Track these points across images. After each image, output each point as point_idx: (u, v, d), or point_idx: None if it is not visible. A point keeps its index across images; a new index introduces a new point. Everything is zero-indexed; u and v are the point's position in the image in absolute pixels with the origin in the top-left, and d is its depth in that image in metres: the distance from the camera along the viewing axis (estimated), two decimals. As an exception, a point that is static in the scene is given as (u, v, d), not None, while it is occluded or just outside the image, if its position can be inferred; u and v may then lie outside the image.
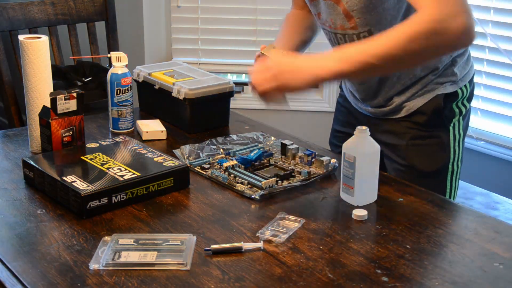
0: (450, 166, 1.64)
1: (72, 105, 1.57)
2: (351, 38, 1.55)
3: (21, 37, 1.60)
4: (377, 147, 1.38)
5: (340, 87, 1.86)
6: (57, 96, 1.54)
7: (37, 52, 1.59)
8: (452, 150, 1.63)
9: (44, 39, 1.60)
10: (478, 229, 1.31)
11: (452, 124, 1.63)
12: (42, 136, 1.58)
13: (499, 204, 2.44)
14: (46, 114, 1.56)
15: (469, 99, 1.66)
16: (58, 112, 1.55)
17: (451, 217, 1.36)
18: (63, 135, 1.57)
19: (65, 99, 1.55)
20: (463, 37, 1.29)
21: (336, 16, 1.54)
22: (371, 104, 1.68)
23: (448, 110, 1.62)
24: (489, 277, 1.15)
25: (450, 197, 1.66)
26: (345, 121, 1.82)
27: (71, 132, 1.58)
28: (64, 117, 1.56)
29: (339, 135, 1.83)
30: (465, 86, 1.63)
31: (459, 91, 1.61)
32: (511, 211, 2.40)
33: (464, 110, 1.64)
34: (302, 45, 1.75)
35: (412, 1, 1.32)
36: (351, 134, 1.74)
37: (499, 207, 2.42)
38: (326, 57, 1.34)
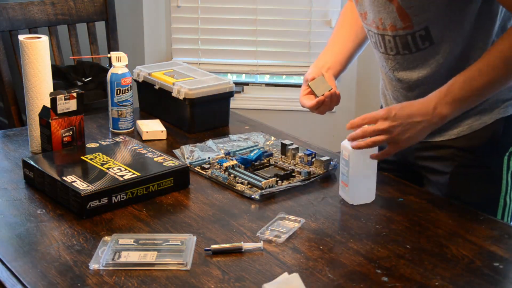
0: (502, 200, 1.46)
1: (72, 105, 1.57)
2: (403, 39, 1.39)
3: (21, 37, 1.60)
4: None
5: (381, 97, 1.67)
6: (57, 96, 1.54)
7: (37, 52, 1.59)
8: (504, 182, 1.45)
9: (44, 39, 1.60)
10: (478, 229, 1.31)
11: (508, 153, 1.44)
12: (42, 136, 1.58)
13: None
14: (46, 114, 1.56)
15: None
16: (58, 112, 1.55)
17: (451, 217, 1.36)
18: (63, 135, 1.57)
19: (65, 99, 1.55)
20: None
21: (387, 15, 1.38)
22: None
23: (506, 136, 1.43)
24: (489, 277, 1.15)
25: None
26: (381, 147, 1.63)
27: (71, 132, 1.58)
28: (64, 117, 1.56)
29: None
30: None
31: None
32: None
33: None
34: (358, 47, 1.63)
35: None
36: (388, 161, 1.54)
37: (499, 207, 2.42)
38: (436, 105, 1.29)
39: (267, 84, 3.23)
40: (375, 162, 1.38)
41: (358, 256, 1.20)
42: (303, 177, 1.50)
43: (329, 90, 1.49)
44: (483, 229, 1.31)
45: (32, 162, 1.46)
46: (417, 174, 1.57)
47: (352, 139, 1.35)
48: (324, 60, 1.60)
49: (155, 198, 1.41)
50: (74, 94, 1.56)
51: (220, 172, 1.51)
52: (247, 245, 1.21)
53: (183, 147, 1.65)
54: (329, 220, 1.34)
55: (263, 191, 1.42)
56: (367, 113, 1.34)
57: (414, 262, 1.18)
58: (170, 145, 1.71)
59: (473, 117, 1.43)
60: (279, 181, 1.47)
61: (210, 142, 1.69)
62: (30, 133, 1.65)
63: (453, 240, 1.27)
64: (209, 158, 1.61)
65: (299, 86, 3.22)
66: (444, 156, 1.48)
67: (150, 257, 1.17)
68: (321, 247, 1.23)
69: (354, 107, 3.11)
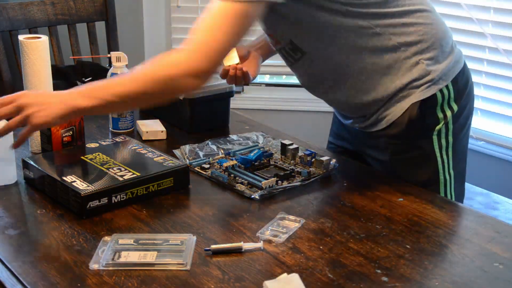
0: (442, 177, 1.54)
1: None
2: (282, 53, 1.56)
3: (21, 37, 1.60)
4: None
5: None
6: None
7: (37, 52, 1.58)
8: (439, 159, 1.53)
9: (44, 39, 1.60)
10: (478, 229, 1.31)
11: (436, 132, 1.51)
12: (42, 136, 1.58)
13: (499, 204, 2.44)
14: None
15: (458, 99, 1.52)
16: None
17: (451, 217, 1.36)
18: (63, 135, 1.57)
19: None
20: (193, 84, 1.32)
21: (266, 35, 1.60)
22: (353, 118, 1.62)
23: (430, 117, 1.50)
24: (489, 277, 1.15)
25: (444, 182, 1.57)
26: (338, 134, 1.78)
27: (71, 132, 1.58)
28: None
29: (332, 147, 1.81)
30: (447, 86, 1.49)
31: (439, 94, 1.49)
32: (511, 211, 2.40)
33: (450, 114, 1.51)
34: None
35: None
36: (343, 148, 1.75)
37: (499, 207, 2.42)
38: (71, 93, 1.33)
39: (267, 84, 3.23)
40: (11, 141, 1.43)
41: (358, 256, 1.20)
42: (303, 177, 1.50)
43: (236, 64, 1.61)
44: (483, 229, 1.31)
45: (32, 162, 1.46)
46: (366, 164, 1.67)
47: None
48: (260, 39, 1.76)
49: (155, 198, 1.41)
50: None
51: (220, 172, 1.51)
52: (247, 245, 1.21)
53: (183, 147, 1.65)
54: (329, 220, 1.34)
55: (263, 191, 1.42)
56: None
57: (414, 262, 1.18)
58: (170, 145, 1.71)
59: (394, 105, 1.51)
60: (279, 181, 1.47)
61: (210, 142, 1.68)
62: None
63: (453, 240, 1.27)
64: (209, 158, 1.61)
65: (299, 86, 3.22)
66: (380, 145, 1.58)
67: (150, 257, 1.17)
68: (321, 247, 1.23)
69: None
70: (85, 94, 1.32)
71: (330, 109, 1.73)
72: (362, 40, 1.45)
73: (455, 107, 1.52)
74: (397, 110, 1.51)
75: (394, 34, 1.46)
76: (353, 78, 1.50)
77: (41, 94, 1.38)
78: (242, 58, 1.67)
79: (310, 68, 1.54)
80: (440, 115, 1.51)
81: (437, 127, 1.52)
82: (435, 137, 1.52)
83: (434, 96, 1.49)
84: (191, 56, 1.31)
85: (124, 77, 1.39)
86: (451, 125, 1.53)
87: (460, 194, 1.62)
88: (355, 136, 1.68)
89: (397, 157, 1.56)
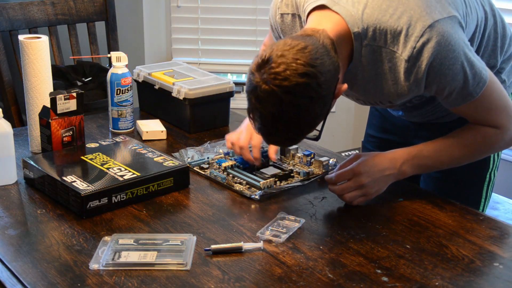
0: (488, 176, 1.57)
1: (72, 105, 1.57)
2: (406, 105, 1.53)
3: (21, 37, 1.60)
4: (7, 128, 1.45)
5: None
6: (57, 96, 1.54)
7: (37, 52, 1.58)
8: (492, 159, 1.56)
9: (44, 39, 1.60)
10: (478, 229, 1.31)
11: None
12: (42, 136, 1.58)
13: (499, 204, 2.44)
14: (46, 114, 1.56)
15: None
16: (58, 112, 1.55)
17: (451, 217, 1.36)
18: (63, 135, 1.57)
19: (65, 99, 1.55)
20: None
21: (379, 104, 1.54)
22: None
23: None
24: (489, 277, 1.15)
25: (483, 206, 1.60)
26: (379, 127, 1.74)
27: (71, 132, 1.58)
28: (64, 117, 1.56)
29: (373, 141, 1.76)
30: None
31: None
32: (511, 211, 2.39)
33: None
34: None
35: (480, 119, 1.37)
36: (386, 140, 1.70)
37: (499, 207, 2.42)
38: (403, 164, 1.39)
39: (267, 84, 3.22)
40: (11, 141, 1.47)
41: (358, 256, 1.20)
42: (302, 177, 1.50)
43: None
44: (483, 229, 1.31)
45: (32, 162, 1.46)
46: None
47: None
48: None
49: (155, 198, 1.41)
50: (74, 94, 1.56)
51: (219, 172, 1.51)
52: (247, 245, 1.21)
53: (182, 151, 1.64)
54: (329, 220, 1.34)
55: (262, 191, 1.42)
56: (342, 166, 1.41)
57: (414, 262, 1.18)
58: (170, 145, 1.71)
59: None
60: (278, 181, 1.47)
61: (209, 145, 1.68)
62: (30, 133, 1.65)
63: (453, 240, 1.27)
64: (208, 158, 1.61)
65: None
66: (437, 135, 1.53)
67: (150, 257, 1.17)
68: (321, 247, 1.23)
69: (354, 106, 3.11)
70: (418, 166, 1.41)
71: (331, 109, 1.71)
72: None
73: None
74: None
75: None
76: None
77: (380, 179, 1.40)
78: None
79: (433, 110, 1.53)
80: None
81: None
82: None
83: None
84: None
85: (451, 145, 1.41)
86: None
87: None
88: (403, 128, 1.65)
89: None
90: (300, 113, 1.17)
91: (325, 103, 1.20)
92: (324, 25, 1.26)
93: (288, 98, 1.15)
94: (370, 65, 1.31)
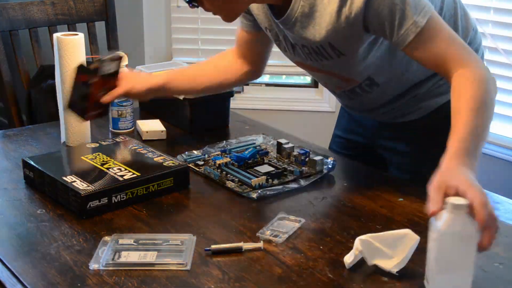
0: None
1: (114, 66, 1.56)
2: (351, 91, 1.52)
3: (57, 34, 1.64)
4: (473, 228, 1.05)
5: None
6: (105, 57, 1.53)
7: (72, 48, 1.63)
8: None
9: (81, 35, 1.65)
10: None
11: None
12: (77, 92, 1.52)
13: (499, 204, 2.43)
14: (85, 71, 1.53)
15: None
16: (102, 73, 1.53)
17: (451, 217, 1.35)
18: (98, 94, 1.56)
19: (111, 60, 1.55)
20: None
21: (332, 83, 1.55)
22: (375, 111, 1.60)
23: None
24: (489, 277, 1.15)
25: None
26: (347, 128, 1.77)
27: (104, 93, 1.57)
28: (107, 79, 1.55)
29: (340, 141, 1.79)
30: None
31: None
32: (511, 211, 2.39)
33: None
34: (190, 90, 1.71)
35: (442, 66, 1.30)
36: (353, 141, 1.72)
37: (499, 207, 2.42)
38: (470, 161, 1.19)
39: (267, 84, 3.23)
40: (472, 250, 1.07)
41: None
42: (295, 176, 1.50)
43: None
44: (483, 229, 1.31)
45: (32, 162, 1.46)
46: (380, 157, 1.65)
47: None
48: (162, 75, 1.67)
49: (155, 198, 1.41)
50: (120, 55, 1.57)
51: (213, 169, 1.51)
52: (247, 245, 1.21)
53: (182, 155, 1.63)
54: (329, 220, 1.34)
55: (262, 191, 1.42)
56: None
57: (414, 262, 1.18)
58: (170, 145, 1.71)
59: (430, 99, 1.52)
60: (270, 180, 1.47)
61: (208, 147, 1.67)
62: (66, 127, 1.66)
63: (453, 240, 1.26)
64: (204, 155, 1.60)
65: (299, 86, 3.22)
66: (404, 136, 1.57)
67: (150, 257, 1.17)
68: (321, 247, 1.23)
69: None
70: (476, 156, 1.20)
71: (330, 109, 1.74)
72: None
73: None
74: (431, 104, 1.53)
75: None
76: (413, 84, 1.51)
77: (476, 183, 1.13)
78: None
79: (379, 97, 1.53)
80: None
81: None
82: None
83: None
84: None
85: (471, 117, 1.25)
86: None
87: None
88: (369, 129, 1.67)
89: (424, 149, 1.55)
90: None
91: None
92: None
93: None
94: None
